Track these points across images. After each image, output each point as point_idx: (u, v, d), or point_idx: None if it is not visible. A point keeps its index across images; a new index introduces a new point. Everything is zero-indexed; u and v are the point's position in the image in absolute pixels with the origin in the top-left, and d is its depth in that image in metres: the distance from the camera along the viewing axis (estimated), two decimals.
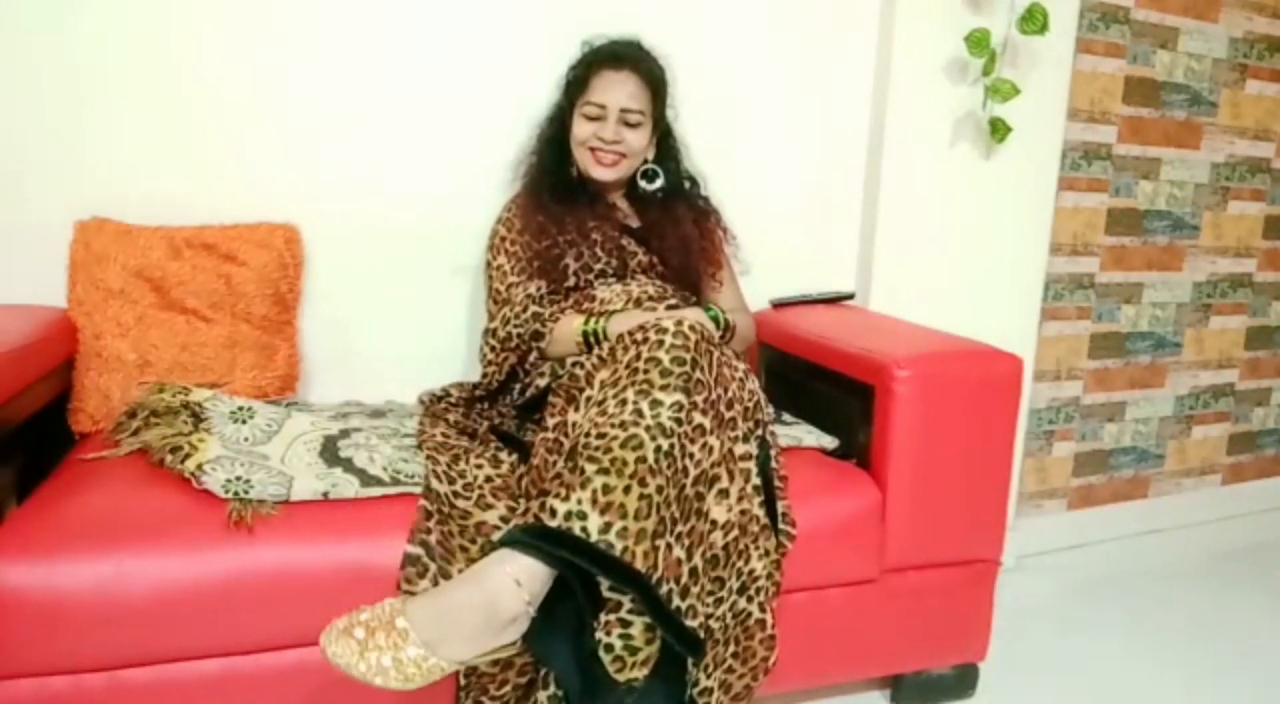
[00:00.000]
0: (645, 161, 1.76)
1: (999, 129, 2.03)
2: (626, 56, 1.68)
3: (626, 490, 1.12)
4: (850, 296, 2.09)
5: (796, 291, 2.05)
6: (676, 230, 1.74)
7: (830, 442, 1.63)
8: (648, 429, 1.16)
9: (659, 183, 1.76)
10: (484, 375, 1.64)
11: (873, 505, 1.50)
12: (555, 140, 1.74)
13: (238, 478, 1.26)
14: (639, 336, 1.26)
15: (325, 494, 1.28)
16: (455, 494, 1.30)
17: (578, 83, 1.69)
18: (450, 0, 1.78)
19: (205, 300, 1.59)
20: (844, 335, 1.69)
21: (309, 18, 1.70)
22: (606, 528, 1.10)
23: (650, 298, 1.65)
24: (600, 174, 1.69)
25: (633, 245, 1.71)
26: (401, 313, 1.83)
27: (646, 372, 1.21)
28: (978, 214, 2.13)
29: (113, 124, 1.63)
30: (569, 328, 1.56)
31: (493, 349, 1.61)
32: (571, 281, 1.66)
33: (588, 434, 1.17)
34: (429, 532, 1.25)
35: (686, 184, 1.82)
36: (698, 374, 1.24)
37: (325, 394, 1.78)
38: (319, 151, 1.74)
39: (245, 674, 1.21)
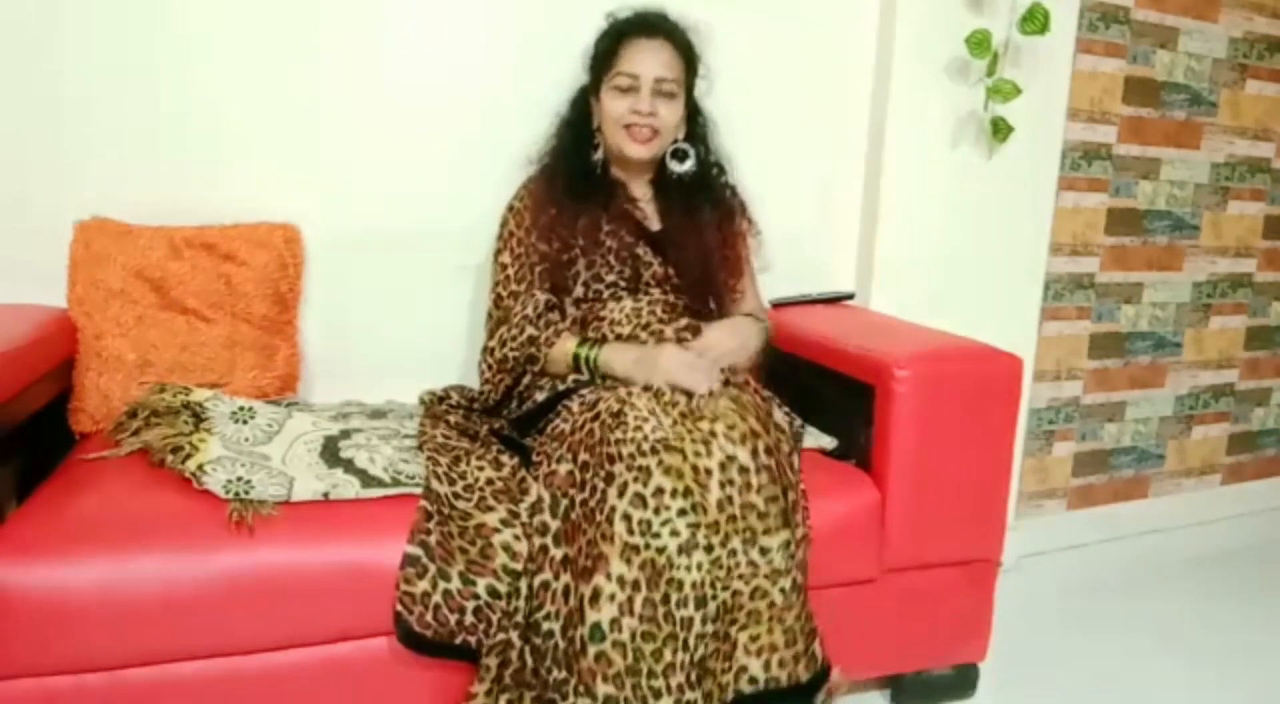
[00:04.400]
0: (675, 141, 1.65)
1: (1000, 129, 2.03)
2: (659, 24, 1.60)
3: (770, 631, 1.26)
4: (850, 297, 2.09)
5: (796, 292, 2.05)
6: (697, 240, 1.65)
7: (829, 442, 1.63)
8: (767, 577, 1.26)
9: (689, 164, 1.65)
10: (481, 393, 1.61)
11: (872, 506, 1.50)
12: (576, 124, 1.65)
13: (238, 478, 1.26)
14: (724, 479, 1.26)
15: (326, 495, 1.28)
16: (455, 495, 1.30)
17: (606, 55, 1.59)
18: (451, 1, 1.78)
19: (205, 300, 1.59)
20: (844, 335, 1.69)
21: (308, 18, 1.70)
22: (768, 666, 1.26)
23: (660, 320, 1.57)
24: (637, 151, 1.59)
25: (648, 255, 1.62)
26: (401, 313, 1.83)
27: (745, 519, 1.25)
28: (978, 214, 2.13)
29: (113, 124, 1.62)
30: (563, 350, 1.51)
31: (489, 368, 1.57)
32: (580, 292, 1.60)
33: (711, 585, 1.23)
34: (429, 532, 1.25)
35: (715, 170, 1.72)
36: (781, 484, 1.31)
37: (326, 394, 1.78)
38: (319, 152, 1.74)
39: (246, 674, 1.21)
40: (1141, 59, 2.35)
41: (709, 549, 1.23)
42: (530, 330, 1.53)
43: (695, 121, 1.69)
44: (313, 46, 1.71)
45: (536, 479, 1.34)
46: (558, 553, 1.26)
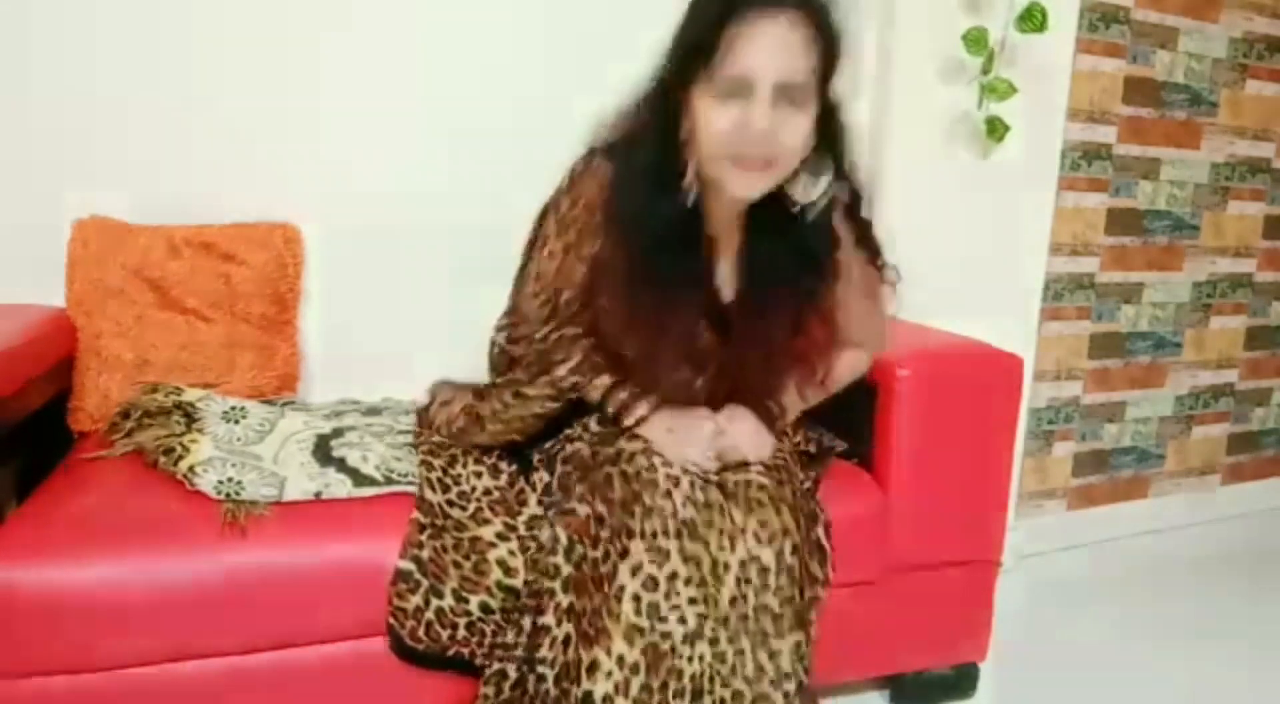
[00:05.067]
0: (798, 169, 1.21)
1: (996, 128, 2.02)
2: None
3: None
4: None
5: None
6: (766, 333, 1.30)
7: (839, 445, 1.62)
8: (772, 683, 1.17)
9: (818, 194, 1.22)
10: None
11: (875, 505, 1.50)
12: (663, 136, 1.19)
13: (229, 479, 1.26)
14: (742, 576, 1.18)
15: (318, 494, 1.27)
16: (450, 503, 1.27)
17: (702, 45, 1.12)
18: (450, 0, 1.78)
19: (205, 300, 1.59)
20: None
21: (307, 17, 1.70)
22: None
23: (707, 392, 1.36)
24: (743, 190, 1.18)
25: (710, 345, 1.31)
26: (401, 313, 1.83)
27: (759, 620, 1.18)
28: (978, 214, 2.13)
29: (112, 123, 1.62)
30: (595, 384, 1.31)
31: (512, 397, 1.35)
32: (623, 360, 1.30)
33: (710, 679, 1.16)
34: (421, 546, 1.23)
35: (840, 193, 1.27)
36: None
37: (325, 394, 1.78)
38: (319, 151, 1.74)
39: (245, 674, 1.21)
40: (1141, 59, 2.35)
41: (714, 642, 1.16)
42: (573, 379, 1.30)
43: (828, 127, 1.22)
44: (313, 46, 1.71)
45: (534, 488, 1.31)
46: (564, 600, 1.19)
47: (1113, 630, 2.03)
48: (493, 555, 1.23)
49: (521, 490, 1.31)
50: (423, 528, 1.25)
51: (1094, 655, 1.92)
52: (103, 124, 1.62)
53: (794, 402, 1.40)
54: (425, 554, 1.23)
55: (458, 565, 1.23)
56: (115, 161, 1.63)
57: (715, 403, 1.34)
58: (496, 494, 1.30)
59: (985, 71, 2.00)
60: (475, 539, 1.24)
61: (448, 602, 1.21)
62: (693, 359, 1.32)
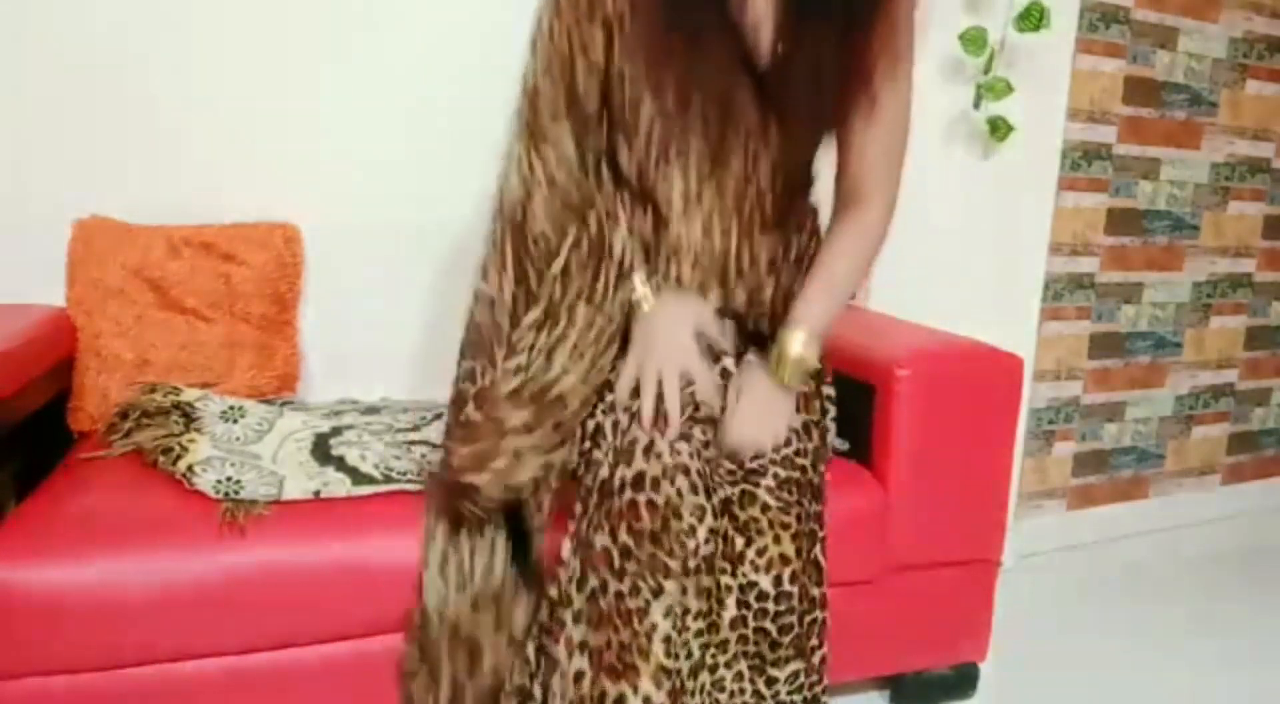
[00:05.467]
0: None
1: (999, 128, 2.03)
2: None
3: None
4: (850, 296, 2.09)
5: None
6: (814, 76, 1.17)
7: (840, 444, 1.62)
8: None
9: None
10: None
11: (875, 505, 1.50)
12: None
13: (228, 478, 1.26)
14: (742, 599, 1.17)
15: (316, 493, 1.27)
16: (447, 584, 1.23)
17: None
18: (451, 2, 1.78)
19: (204, 300, 1.59)
20: (844, 335, 1.68)
21: (307, 17, 1.70)
22: None
23: (738, 247, 1.26)
24: None
25: (745, 105, 1.18)
26: (401, 313, 1.83)
27: (757, 645, 1.17)
28: (977, 214, 2.13)
29: (113, 123, 1.62)
30: (626, 290, 1.23)
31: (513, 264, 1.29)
32: (640, 155, 1.21)
33: None
34: (422, 633, 1.23)
35: None
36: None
37: (325, 394, 1.77)
38: (319, 151, 1.74)
39: (245, 674, 1.21)
40: (1141, 59, 2.35)
41: (713, 669, 1.16)
42: (629, 256, 1.22)
43: None
44: (313, 45, 1.71)
45: (529, 587, 1.26)
46: (575, 633, 1.12)
47: (1113, 630, 2.03)
48: (486, 662, 1.22)
49: (517, 583, 1.26)
50: (425, 616, 1.23)
51: (1094, 655, 1.92)
52: (103, 124, 1.62)
53: (819, 312, 1.30)
54: (425, 641, 1.23)
55: (451, 658, 1.22)
56: (115, 161, 1.63)
57: (750, 192, 1.23)
58: (497, 578, 1.24)
59: (985, 71, 2.00)
60: (471, 639, 1.22)
61: (445, 693, 1.22)
62: (722, 133, 1.19)
